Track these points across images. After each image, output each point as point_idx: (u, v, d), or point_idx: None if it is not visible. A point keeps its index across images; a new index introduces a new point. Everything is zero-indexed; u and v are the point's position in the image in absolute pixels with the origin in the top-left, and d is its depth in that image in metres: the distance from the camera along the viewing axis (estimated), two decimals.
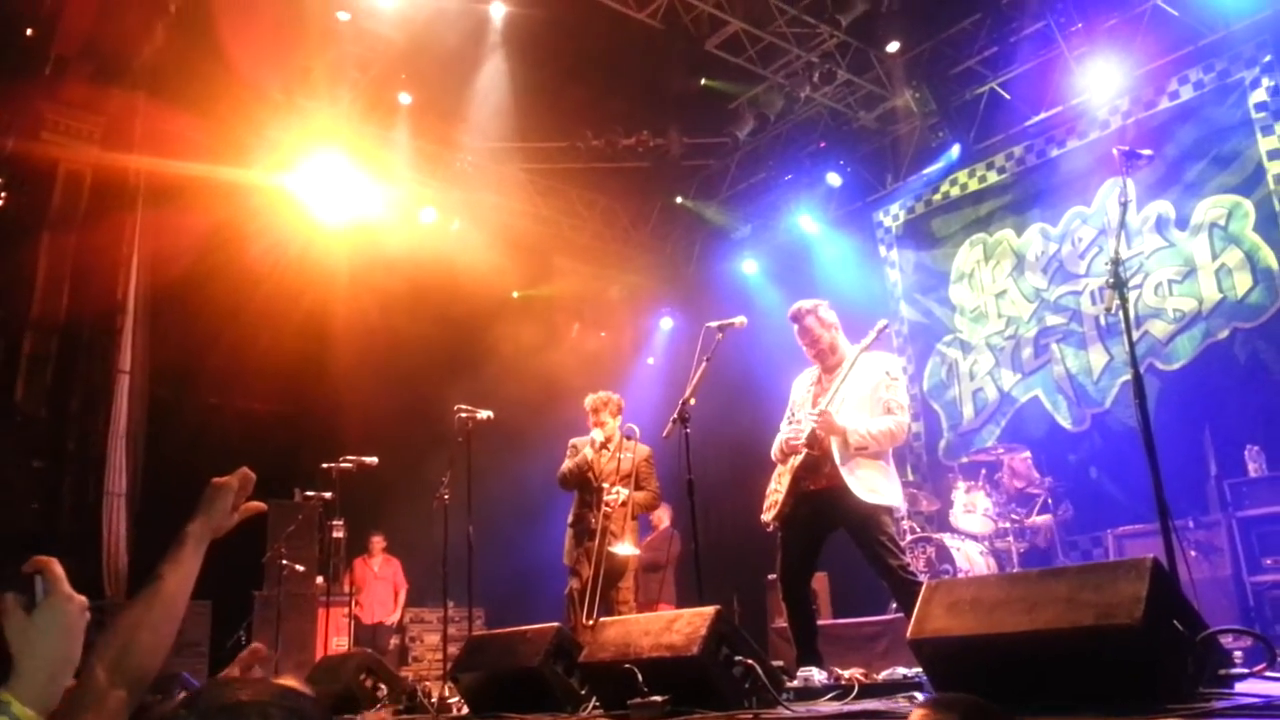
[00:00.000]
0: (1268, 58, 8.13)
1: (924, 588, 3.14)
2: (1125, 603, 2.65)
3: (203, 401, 10.37)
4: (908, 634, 3.09)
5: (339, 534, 9.11)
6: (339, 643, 9.02)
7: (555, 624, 4.44)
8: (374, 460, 7.60)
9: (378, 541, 10.19)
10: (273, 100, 9.65)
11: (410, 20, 8.63)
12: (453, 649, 7.57)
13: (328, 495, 7.98)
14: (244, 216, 9.48)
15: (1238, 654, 4.69)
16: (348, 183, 9.99)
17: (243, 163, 9.46)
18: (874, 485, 4.66)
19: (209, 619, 8.13)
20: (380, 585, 10.07)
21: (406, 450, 9.04)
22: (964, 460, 8.87)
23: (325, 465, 7.61)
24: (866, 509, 4.61)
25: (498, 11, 8.82)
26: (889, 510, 4.74)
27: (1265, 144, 8.11)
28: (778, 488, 4.86)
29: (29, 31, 8.62)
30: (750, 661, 3.55)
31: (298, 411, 10.77)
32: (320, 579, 9.16)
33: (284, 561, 8.33)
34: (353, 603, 9.66)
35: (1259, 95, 8.17)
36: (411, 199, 10.89)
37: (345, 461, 7.54)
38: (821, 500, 4.74)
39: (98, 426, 8.79)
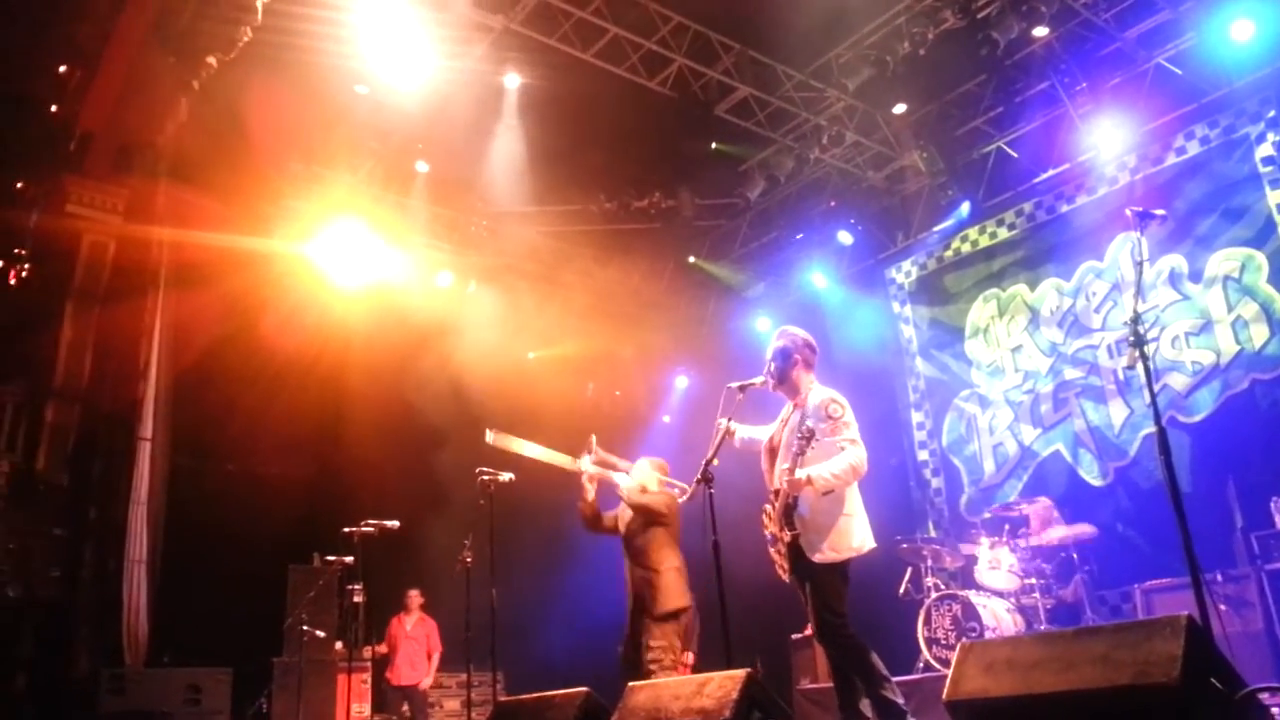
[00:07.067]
0: (1272, 113, 8.25)
1: (958, 648, 3.13)
2: (1162, 661, 2.64)
3: (221, 468, 10.42)
4: (944, 695, 3.07)
5: (359, 599, 9.06)
6: (360, 709, 8.92)
7: (584, 689, 4.40)
8: (395, 524, 7.58)
9: (414, 597, 10.00)
10: (292, 171, 9.86)
11: (428, 92, 8.82)
12: (475, 714, 7.51)
13: (348, 560, 7.94)
14: (263, 285, 9.63)
15: (1276, 710, 4.62)
16: (366, 249, 10.16)
17: (263, 232, 9.63)
18: (834, 543, 4.67)
19: (229, 687, 8.06)
20: (412, 645, 9.86)
21: (428, 513, 9.04)
22: (986, 515, 8.83)
23: (346, 530, 7.59)
24: (819, 569, 4.66)
25: (512, 82, 9.02)
26: (845, 565, 4.71)
27: (1274, 197, 8.18)
28: (770, 538, 4.89)
29: (54, 107, 8.85)
30: None
31: (317, 476, 10.79)
32: (340, 644, 9.09)
33: (304, 627, 8.28)
34: (372, 662, 9.55)
35: (1265, 150, 8.27)
36: (428, 263, 11.06)
37: (366, 525, 7.53)
38: (795, 547, 4.76)
39: (119, 494, 8.82)
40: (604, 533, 6.20)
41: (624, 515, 6.12)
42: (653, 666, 5.58)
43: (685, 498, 6.07)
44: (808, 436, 4.62)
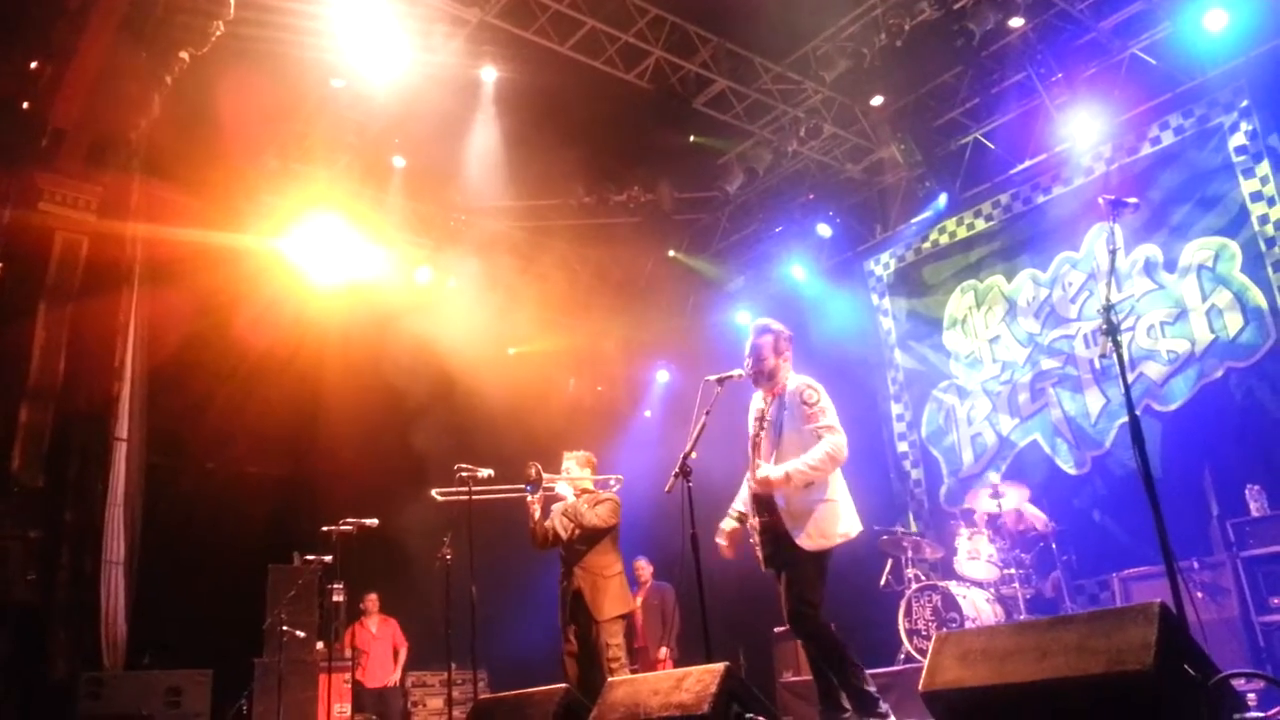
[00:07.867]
0: (1244, 102, 8.30)
1: (934, 639, 3.14)
2: (1136, 649, 2.65)
3: (199, 467, 10.32)
4: (920, 686, 3.07)
5: (339, 598, 9.00)
6: (341, 709, 8.87)
7: (563, 685, 4.40)
8: (374, 522, 7.57)
9: (372, 601, 9.99)
10: (268, 167, 9.77)
11: (404, 86, 8.75)
12: (457, 712, 7.49)
13: (327, 559, 7.91)
14: (239, 281, 9.53)
15: (1251, 697, 4.66)
16: (343, 245, 10.08)
17: (238, 228, 9.55)
18: (821, 530, 4.64)
19: (209, 688, 7.99)
20: (381, 647, 9.85)
21: (406, 511, 9.00)
22: (965, 506, 8.87)
23: (325, 528, 7.56)
24: (803, 557, 4.62)
25: (489, 75, 8.97)
26: (829, 554, 4.69)
27: (1247, 186, 8.24)
28: (752, 528, 4.89)
29: (25, 104, 8.73)
30: (762, 719, 3.52)
31: (295, 474, 10.71)
32: (321, 644, 9.04)
33: (284, 627, 8.22)
34: (355, 669, 9.51)
35: (1238, 139, 8.33)
36: (407, 259, 10.99)
37: (345, 524, 7.50)
38: (775, 534, 4.74)
39: (95, 495, 8.71)
40: (550, 549, 6.36)
41: (563, 523, 6.25)
42: (614, 665, 5.83)
43: (618, 486, 6.27)
44: (760, 419, 4.76)
